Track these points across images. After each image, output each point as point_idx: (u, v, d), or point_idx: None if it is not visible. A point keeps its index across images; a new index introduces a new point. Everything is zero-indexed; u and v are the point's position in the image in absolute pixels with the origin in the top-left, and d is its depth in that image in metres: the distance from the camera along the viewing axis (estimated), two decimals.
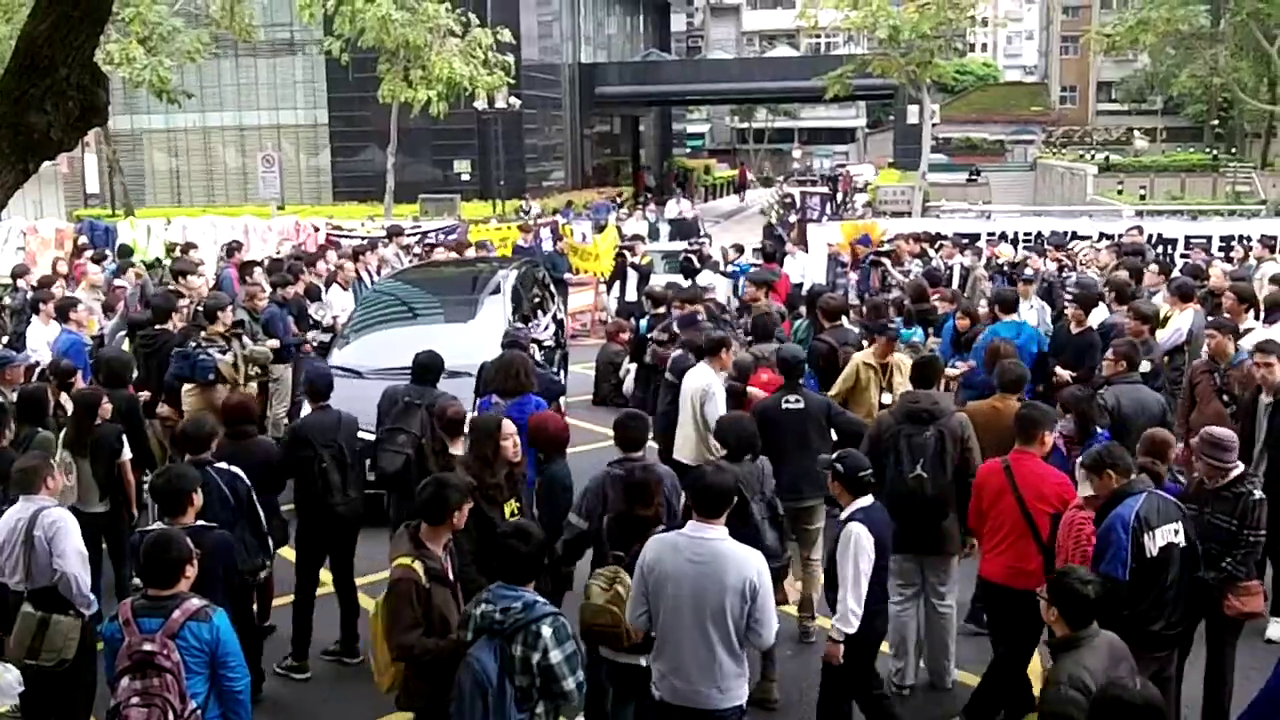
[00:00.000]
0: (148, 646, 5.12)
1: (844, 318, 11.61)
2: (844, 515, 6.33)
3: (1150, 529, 5.97)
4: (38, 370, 10.43)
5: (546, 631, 4.83)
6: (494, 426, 6.87)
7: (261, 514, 7.22)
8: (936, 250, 17.63)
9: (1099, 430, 7.51)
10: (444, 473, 6.38)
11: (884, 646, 7.70)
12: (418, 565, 5.56)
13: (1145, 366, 9.88)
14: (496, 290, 12.82)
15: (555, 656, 4.82)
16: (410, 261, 18.24)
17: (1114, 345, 9.03)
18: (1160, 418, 8.31)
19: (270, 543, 7.31)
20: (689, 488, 5.76)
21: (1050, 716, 4.81)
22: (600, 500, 6.62)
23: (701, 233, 29.37)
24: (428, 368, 8.90)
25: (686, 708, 5.48)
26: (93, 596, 6.57)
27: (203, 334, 10.59)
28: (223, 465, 7.12)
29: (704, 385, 8.87)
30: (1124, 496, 6.11)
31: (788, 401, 8.28)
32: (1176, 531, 6.06)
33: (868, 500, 6.35)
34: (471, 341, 10.91)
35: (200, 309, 11.61)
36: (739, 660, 5.46)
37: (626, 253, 19.70)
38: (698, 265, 18.21)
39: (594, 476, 6.85)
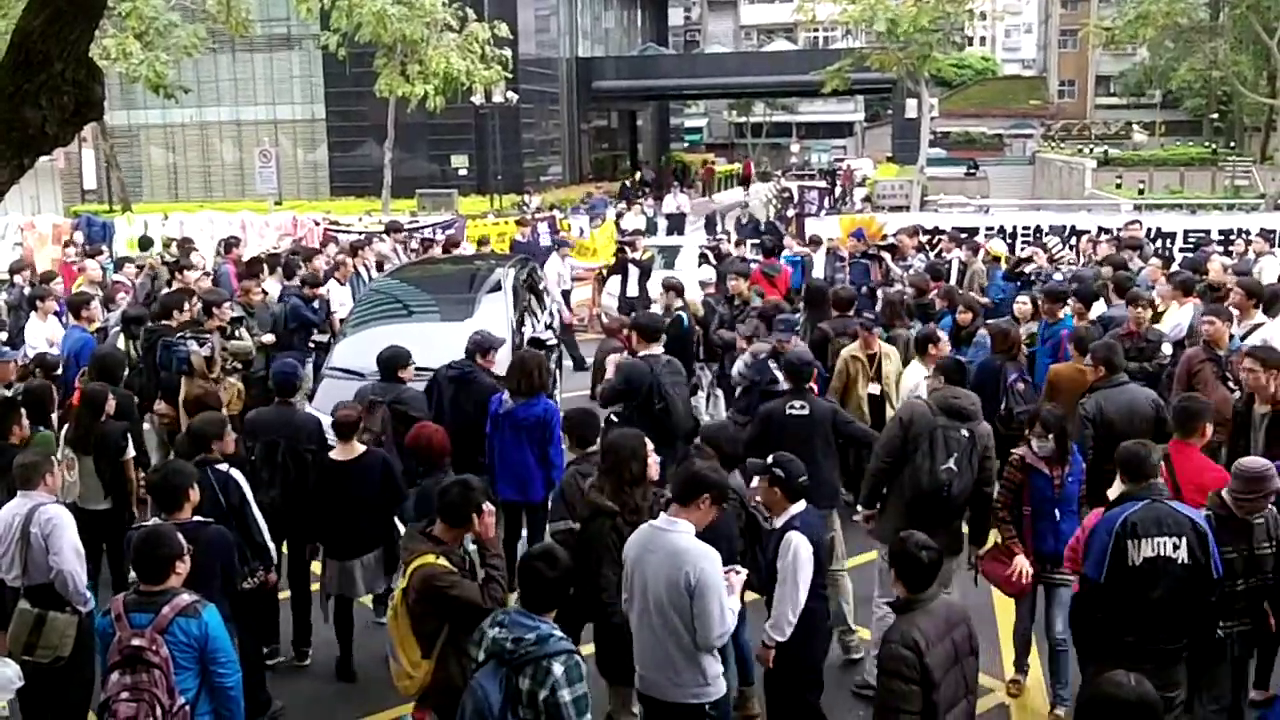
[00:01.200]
0: (137, 641, 5.14)
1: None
2: (780, 522, 6.12)
3: (1137, 537, 5.77)
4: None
5: (558, 669, 4.55)
6: (638, 445, 6.22)
7: (259, 519, 7.10)
8: (932, 246, 17.62)
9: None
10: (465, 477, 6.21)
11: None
12: (442, 560, 5.53)
13: (1168, 349, 10.05)
14: (497, 288, 12.60)
15: (564, 696, 4.54)
16: (408, 257, 18.14)
17: (1092, 350, 8.58)
18: (1154, 416, 8.02)
19: (269, 549, 7.16)
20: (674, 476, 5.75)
21: (882, 674, 5.01)
22: (579, 494, 6.56)
23: (720, 228, 29.22)
24: (392, 363, 8.79)
25: (653, 697, 5.52)
26: (89, 594, 6.55)
27: (200, 328, 10.57)
28: (222, 467, 7.01)
29: (915, 384, 8.80)
30: (1124, 501, 5.99)
31: (793, 407, 7.95)
32: (1176, 546, 5.77)
33: (801, 505, 6.16)
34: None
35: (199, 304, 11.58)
36: (693, 659, 5.38)
37: (627, 248, 19.33)
38: (714, 262, 18.07)
39: (560, 480, 6.98)
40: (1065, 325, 10.64)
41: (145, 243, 18.34)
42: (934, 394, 7.64)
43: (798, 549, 5.93)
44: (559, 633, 4.73)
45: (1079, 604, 6.13)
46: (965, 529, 7.48)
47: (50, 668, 6.38)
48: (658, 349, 8.98)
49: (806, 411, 7.95)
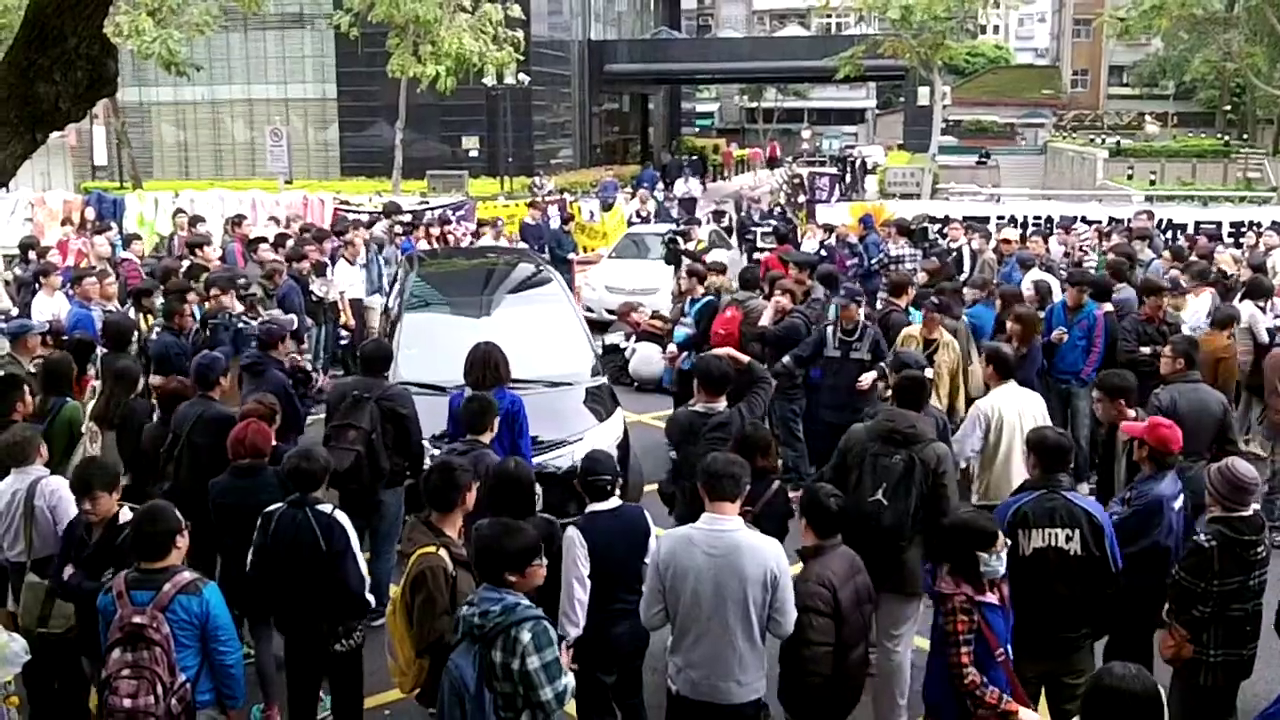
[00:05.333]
0: (138, 619, 5.18)
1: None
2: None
3: (1027, 527, 5.83)
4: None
5: (525, 636, 4.58)
6: None
7: (362, 568, 6.41)
8: (943, 235, 17.62)
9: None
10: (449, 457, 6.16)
11: None
12: (443, 552, 5.51)
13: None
14: (551, 285, 11.80)
15: (533, 663, 4.57)
16: (399, 241, 17.71)
17: (1172, 342, 8.57)
18: (1221, 418, 8.00)
19: (368, 603, 6.56)
20: (701, 472, 5.60)
21: (801, 611, 5.38)
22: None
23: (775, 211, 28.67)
24: (375, 358, 8.53)
25: (705, 702, 5.42)
26: None
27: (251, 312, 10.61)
28: (325, 508, 6.20)
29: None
30: (1022, 490, 6.11)
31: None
32: (1068, 538, 5.80)
33: (605, 505, 6.06)
34: (558, 346, 10.34)
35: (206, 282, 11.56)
36: (759, 653, 5.41)
37: (680, 239, 18.31)
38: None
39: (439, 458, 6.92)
40: (1091, 308, 10.71)
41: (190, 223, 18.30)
42: (879, 414, 7.10)
43: (571, 542, 5.86)
44: (525, 601, 4.74)
45: None
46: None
47: (63, 638, 6.37)
48: (720, 404, 7.58)
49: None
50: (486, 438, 7.21)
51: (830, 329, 10.46)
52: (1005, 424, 7.77)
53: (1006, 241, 15.19)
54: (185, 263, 13.56)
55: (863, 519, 6.43)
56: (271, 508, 6.16)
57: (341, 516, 6.12)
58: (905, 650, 6.85)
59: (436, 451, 8.22)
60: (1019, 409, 7.83)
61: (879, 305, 15.12)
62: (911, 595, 6.75)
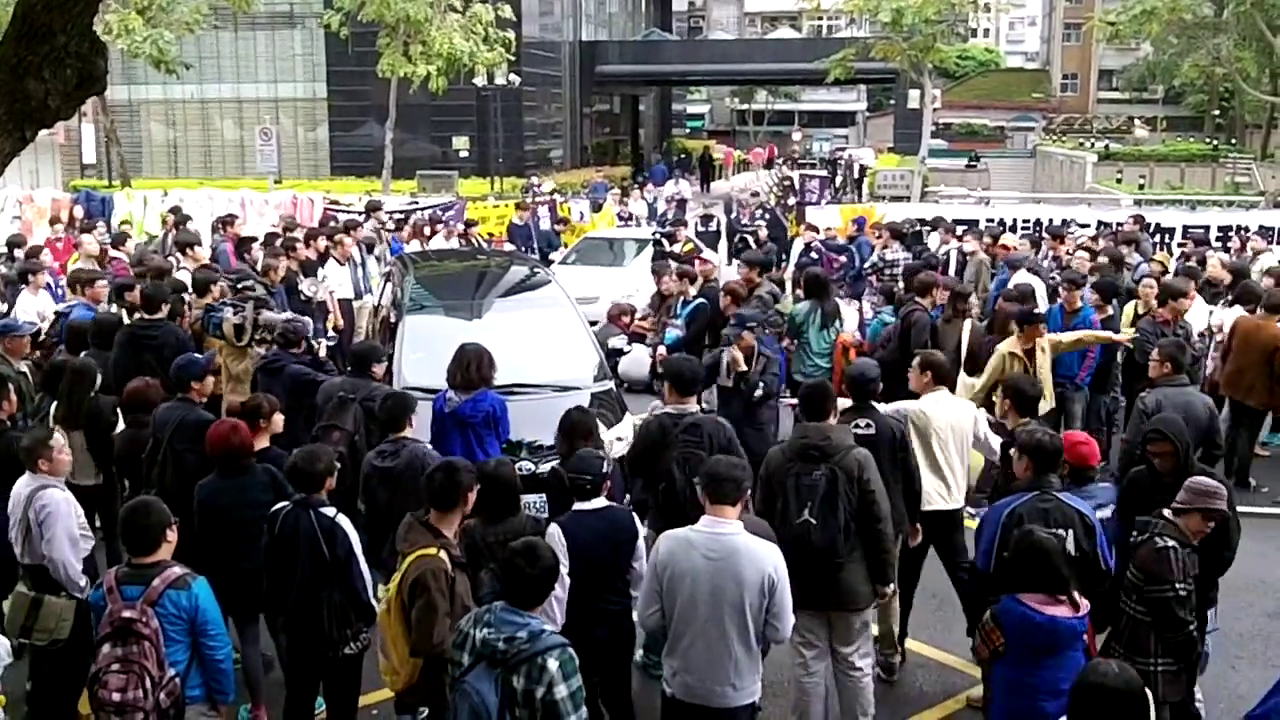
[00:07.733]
0: (128, 614, 5.18)
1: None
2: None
3: (1022, 528, 5.80)
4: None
5: (553, 665, 4.50)
6: None
7: (365, 574, 6.34)
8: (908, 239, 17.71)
9: None
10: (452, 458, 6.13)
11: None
12: (443, 555, 5.48)
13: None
14: (552, 289, 11.53)
15: (560, 692, 4.50)
16: (388, 239, 17.53)
17: (1160, 346, 8.57)
18: (1207, 423, 8.02)
19: (374, 609, 6.37)
20: (702, 476, 5.63)
21: None
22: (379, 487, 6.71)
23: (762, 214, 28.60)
24: (363, 358, 8.53)
25: (699, 705, 5.42)
26: (85, 580, 6.46)
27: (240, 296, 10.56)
28: (328, 511, 6.10)
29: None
30: (1014, 491, 6.19)
31: (858, 426, 7.06)
32: (1061, 539, 5.77)
33: (590, 505, 6.05)
34: (562, 349, 10.23)
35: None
36: (754, 657, 5.41)
37: (666, 241, 18.21)
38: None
39: (366, 462, 7.14)
40: (1088, 313, 10.77)
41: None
42: (792, 432, 6.83)
43: (552, 538, 5.78)
44: (549, 627, 4.70)
45: (972, 593, 6.17)
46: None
47: (48, 650, 6.37)
48: (691, 405, 7.55)
49: (873, 432, 7.12)
50: (408, 432, 7.30)
51: (725, 357, 9.81)
52: (933, 431, 7.54)
53: (1004, 247, 15.16)
54: (174, 260, 13.52)
55: (795, 542, 6.19)
56: (277, 507, 6.17)
57: (343, 520, 6.06)
58: (866, 665, 6.74)
59: (527, 464, 8.29)
60: (948, 419, 7.59)
61: (869, 307, 15.22)
62: (856, 610, 6.62)
